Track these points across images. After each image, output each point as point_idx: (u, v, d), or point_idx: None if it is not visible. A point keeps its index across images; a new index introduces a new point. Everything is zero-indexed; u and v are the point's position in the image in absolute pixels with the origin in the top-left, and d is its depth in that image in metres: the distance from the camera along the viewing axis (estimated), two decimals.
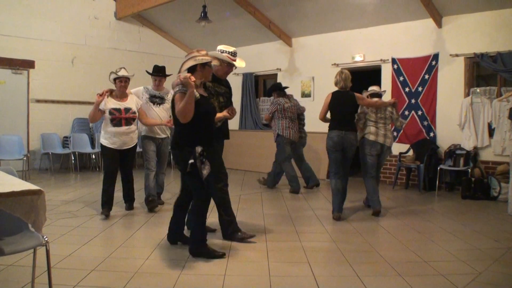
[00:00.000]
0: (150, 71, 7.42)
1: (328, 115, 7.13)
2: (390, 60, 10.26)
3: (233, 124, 13.79)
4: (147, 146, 7.18)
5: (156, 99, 7.24)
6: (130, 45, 13.29)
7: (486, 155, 8.93)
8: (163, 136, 7.32)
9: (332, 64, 11.37)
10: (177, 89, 4.57)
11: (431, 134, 9.61)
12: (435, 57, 9.51)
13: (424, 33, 9.75)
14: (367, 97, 7.42)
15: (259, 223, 6.28)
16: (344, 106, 6.95)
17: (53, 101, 11.82)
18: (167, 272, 4.26)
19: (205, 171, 4.51)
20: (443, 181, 9.31)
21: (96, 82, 12.33)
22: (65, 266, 4.32)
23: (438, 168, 8.99)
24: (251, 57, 13.37)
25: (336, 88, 7.15)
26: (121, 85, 6.63)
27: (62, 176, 10.87)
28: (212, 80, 5.26)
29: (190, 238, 4.86)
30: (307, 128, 9.78)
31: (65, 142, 11.88)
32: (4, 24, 10.95)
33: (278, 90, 9.38)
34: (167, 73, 7.54)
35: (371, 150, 7.10)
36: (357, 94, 7.06)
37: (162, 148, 7.38)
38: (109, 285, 3.87)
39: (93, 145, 11.93)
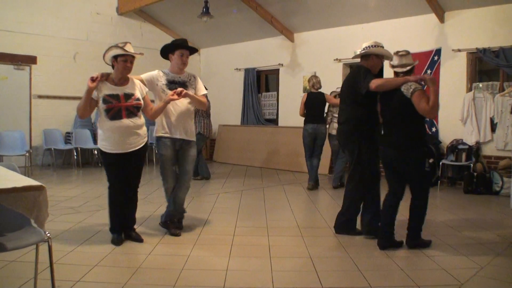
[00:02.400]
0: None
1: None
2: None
3: (235, 119, 13.81)
4: (163, 151, 5.37)
5: (175, 85, 5.31)
6: (132, 41, 12.83)
7: (488, 150, 8.93)
8: (188, 138, 5.43)
9: (334, 59, 11.35)
10: (414, 86, 4.82)
11: (433, 129, 9.60)
12: (438, 52, 9.49)
13: (426, 28, 9.73)
14: (335, 97, 8.82)
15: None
16: (316, 104, 8.70)
17: (55, 97, 11.83)
18: (170, 267, 4.27)
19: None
20: (445, 176, 9.31)
21: None
22: (68, 262, 4.33)
23: (440, 163, 8.98)
24: (253, 53, 13.40)
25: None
26: (125, 65, 4.92)
27: (65, 172, 10.89)
28: None
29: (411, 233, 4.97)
30: None
31: (67, 138, 11.90)
32: (6, 19, 10.95)
33: None
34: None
35: (334, 141, 8.67)
36: (326, 95, 8.82)
37: (186, 153, 5.44)
38: (111, 281, 3.88)
39: (95, 141, 11.92)
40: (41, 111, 11.60)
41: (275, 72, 13.01)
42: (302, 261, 4.54)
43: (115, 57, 4.96)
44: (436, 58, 9.47)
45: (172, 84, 5.34)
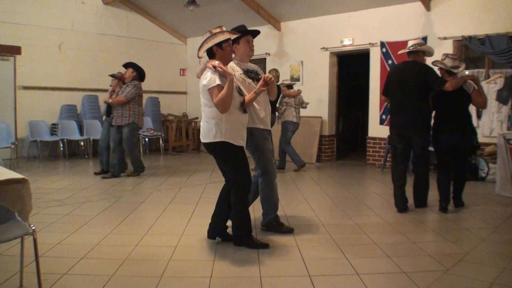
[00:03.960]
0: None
1: None
2: (379, 43, 10.25)
3: None
4: (267, 145, 5.01)
5: (252, 74, 4.98)
6: (118, 30, 13.15)
7: None
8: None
9: (321, 48, 11.34)
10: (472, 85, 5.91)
11: None
12: (424, 40, 9.47)
13: (413, 16, 9.74)
14: (286, 87, 9.77)
15: None
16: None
17: (40, 88, 11.69)
18: (157, 258, 4.26)
19: None
20: (432, 163, 9.34)
21: (83, 68, 12.31)
22: (54, 255, 4.31)
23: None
24: None
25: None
26: (229, 50, 4.62)
27: (51, 163, 10.81)
28: None
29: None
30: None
31: (53, 129, 11.80)
32: None
33: None
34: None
35: (293, 128, 9.71)
36: (281, 87, 9.49)
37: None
38: (98, 273, 3.87)
39: (81, 132, 11.87)
40: (26, 102, 11.45)
41: (262, 61, 12.95)
42: (289, 250, 4.55)
43: (219, 45, 4.46)
44: None
45: (248, 73, 4.96)
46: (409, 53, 6.19)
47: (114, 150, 8.75)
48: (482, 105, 6.28)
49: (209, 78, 4.31)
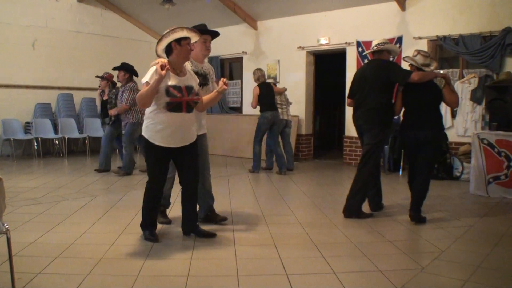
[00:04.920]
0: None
1: None
2: (355, 43, 10.32)
3: None
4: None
5: (200, 77, 4.98)
6: (93, 28, 13.00)
7: (449, 136, 9.07)
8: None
9: (298, 47, 11.39)
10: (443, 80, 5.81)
11: (395, 116, 9.70)
12: (399, 39, 9.60)
13: (388, 16, 9.83)
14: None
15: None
16: (270, 93, 9.30)
17: (14, 86, 11.51)
18: (133, 258, 4.22)
19: None
20: (407, 162, 9.43)
21: (58, 66, 12.16)
22: (28, 254, 4.24)
23: (402, 150, 9.10)
24: (216, 41, 13.14)
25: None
26: (188, 49, 4.54)
27: (25, 162, 10.65)
28: None
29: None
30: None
31: (27, 128, 11.62)
32: None
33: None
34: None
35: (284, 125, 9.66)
36: (272, 84, 9.70)
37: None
38: (74, 272, 3.81)
39: (56, 131, 11.72)
40: None
41: (239, 60, 12.97)
42: (266, 248, 4.55)
43: (178, 41, 4.45)
44: (398, 45, 9.57)
45: (199, 76, 4.92)
46: (374, 53, 6.10)
47: (125, 148, 8.92)
48: (454, 103, 5.90)
49: (147, 74, 4.41)
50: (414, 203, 5.57)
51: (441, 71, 9.07)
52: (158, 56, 4.59)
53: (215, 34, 5.25)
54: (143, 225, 4.81)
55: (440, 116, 5.79)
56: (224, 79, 4.69)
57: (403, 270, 3.96)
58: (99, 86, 9.25)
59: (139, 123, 8.62)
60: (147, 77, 4.37)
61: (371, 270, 3.96)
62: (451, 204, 6.60)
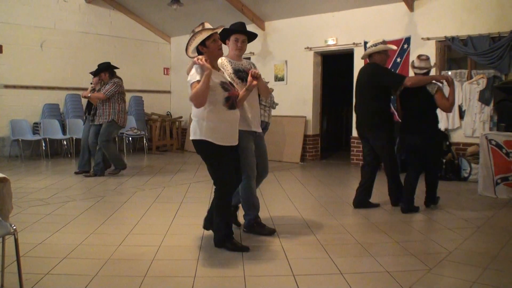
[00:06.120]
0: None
1: None
2: (363, 43, 10.29)
3: None
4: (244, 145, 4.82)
5: (243, 74, 4.84)
6: (101, 29, 13.04)
7: (456, 137, 9.06)
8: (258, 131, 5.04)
9: (305, 48, 11.37)
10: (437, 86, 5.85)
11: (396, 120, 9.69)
12: (407, 40, 9.57)
13: (396, 17, 9.80)
14: None
15: None
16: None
17: (22, 87, 11.56)
18: (140, 258, 4.23)
19: None
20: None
21: (66, 67, 12.21)
22: (36, 255, 4.26)
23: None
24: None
25: None
26: (216, 46, 4.44)
27: (33, 163, 10.70)
28: None
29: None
30: (282, 111, 9.85)
31: (35, 128, 11.67)
32: None
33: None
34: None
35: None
36: None
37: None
38: (81, 273, 3.83)
39: (64, 131, 11.76)
40: (7, 101, 11.32)
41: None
42: (273, 249, 4.55)
43: (203, 44, 4.38)
44: (406, 46, 9.55)
45: (238, 72, 4.84)
46: (369, 56, 6.29)
47: (99, 149, 8.68)
48: (446, 108, 5.99)
49: (192, 73, 4.27)
50: (404, 196, 6.05)
51: (449, 72, 9.09)
52: (190, 57, 4.47)
53: (239, 31, 4.95)
54: (221, 239, 4.51)
55: (431, 122, 6.00)
56: (253, 71, 4.56)
57: (411, 271, 3.94)
58: (91, 83, 9.16)
59: (115, 122, 8.67)
60: (195, 76, 4.22)
61: (378, 270, 3.95)
62: (459, 205, 6.58)
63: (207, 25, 4.39)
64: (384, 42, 6.27)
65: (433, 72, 9.27)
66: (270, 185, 8.08)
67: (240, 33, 4.91)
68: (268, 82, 10.65)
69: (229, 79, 4.62)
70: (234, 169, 4.52)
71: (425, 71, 6.03)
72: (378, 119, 6.08)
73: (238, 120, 4.51)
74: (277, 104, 9.67)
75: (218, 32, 4.50)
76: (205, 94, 4.17)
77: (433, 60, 9.19)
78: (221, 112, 4.34)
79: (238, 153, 4.66)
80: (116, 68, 9.02)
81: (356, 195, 6.37)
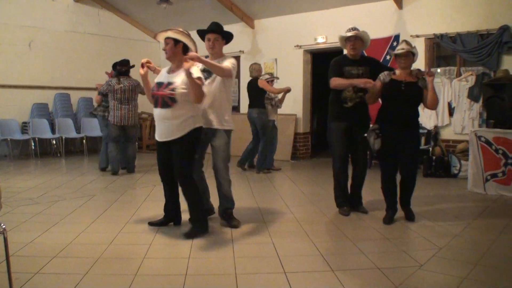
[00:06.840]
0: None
1: None
2: None
3: None
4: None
5: (205, 73, 5.16)
6: (89, 28, 12.97)
7: (446, 134, 9.11)
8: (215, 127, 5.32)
9: (295, 46, 11.38)
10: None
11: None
12: (396, 38, 9.60)
13: (385, 14, 9.83)
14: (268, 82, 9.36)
15: None
16: (250, 90, 9.41)
17: (10, 86, 11.47)
18: (131, 257, 4.22)
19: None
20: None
21: (55, 66, 12.13)
22: (26, 254, 4.23)
23: None
24: None
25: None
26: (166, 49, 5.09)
27: (22, 162, 10.63)
28: None
29: None
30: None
31: (24, 128, 11.60)
32: None
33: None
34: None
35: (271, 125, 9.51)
36: (259, 80, 9.19)
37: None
38: (71, 272, 3.81)
39: (53, 131, 11.70)
40: None
41: (236, 59, 12.88)
42: (264, 247, 4.55)
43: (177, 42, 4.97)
44: (395, 44, 9.56)
45: (203, 72, 5.07)
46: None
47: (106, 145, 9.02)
48: (433, 104, 5.43)
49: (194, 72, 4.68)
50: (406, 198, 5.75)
51: (439, 70, 9.13)
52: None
53: (202, 32, 5.47)
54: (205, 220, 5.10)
55: (417, 116, 5.52)
56: (189, 54, 4.68)
57: (401, 267, 3.96)
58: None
59: (108, 120, 8.82)
60: (198, 73, 4.75)
61: (369, 267, 3.95)
62: (449, 202, 6.61)
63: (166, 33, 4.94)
64: (349, 30, 6.16)
65: (422, 68, 9.37)
66: (261, 183, 8.09)
67: (210, 33, 5.32)
68: (278, 79, 10.55)
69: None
70: (162, 164, 5.26)
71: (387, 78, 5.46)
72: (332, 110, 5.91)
73: (163, 118, 4.79)
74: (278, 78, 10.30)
75: (169, 36, 4.93)
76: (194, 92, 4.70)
77: (422, 58, 9.28)
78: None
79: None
80: (125, 67, 9.08)
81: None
